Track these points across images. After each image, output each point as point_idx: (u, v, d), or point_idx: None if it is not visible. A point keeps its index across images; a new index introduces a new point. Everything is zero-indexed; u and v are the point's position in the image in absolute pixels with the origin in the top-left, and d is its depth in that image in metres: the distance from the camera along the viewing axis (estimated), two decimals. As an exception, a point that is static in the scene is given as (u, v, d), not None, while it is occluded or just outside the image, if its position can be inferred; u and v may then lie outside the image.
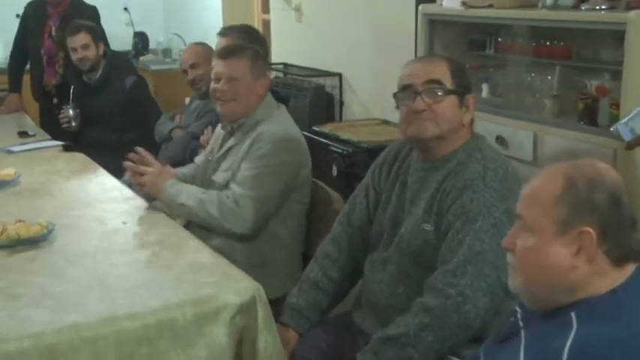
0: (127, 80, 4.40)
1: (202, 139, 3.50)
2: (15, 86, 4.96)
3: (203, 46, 3.88)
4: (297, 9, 5.32)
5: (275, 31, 5.73)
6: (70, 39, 4.39)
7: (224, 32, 3.40)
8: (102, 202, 2.83)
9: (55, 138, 4.10)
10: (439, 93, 2.05)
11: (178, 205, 2.64)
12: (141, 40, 7.21)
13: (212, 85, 2.78)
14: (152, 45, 7.31)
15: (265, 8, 6.35)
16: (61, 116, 4.41)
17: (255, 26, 6.42)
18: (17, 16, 6.79)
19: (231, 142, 2.79)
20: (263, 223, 2.63)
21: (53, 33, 4.79)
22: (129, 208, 2.75)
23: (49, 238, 2.37)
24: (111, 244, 2.37)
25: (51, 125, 4.53)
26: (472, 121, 2.12)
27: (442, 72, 2.07)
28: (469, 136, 2.10)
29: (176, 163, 3.76)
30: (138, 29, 7.17)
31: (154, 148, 4.26)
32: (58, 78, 4.81)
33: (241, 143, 2.73)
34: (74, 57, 4.38)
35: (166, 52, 7.29)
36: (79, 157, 3.55)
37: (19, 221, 2.42)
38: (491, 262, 1.89)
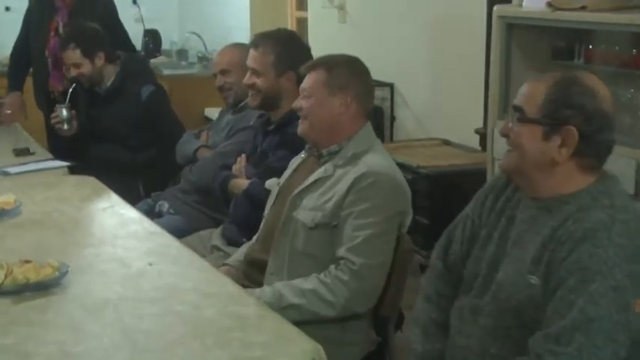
0: (143, 90, 4.38)
1: (235, 168, 3.47)
2: (15, 85, 4.96)
3: (241, 50, 3.85)
4: (341, 7, 5.30)
5: (313, 32, 5.71)
6: (61, 55, 4.42)
7: (257, 43, 3.36)
8: (121, 238, 2.80)
9: (62, 155, 4.10)
10: (517, 120, 2.06)
11: (283, 309, 2.51)
12: (152, 39, 7.24)
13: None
14: (165, 45, 7.34)
15: (301, 5, 6.35)
16: (52, 115, 4.41)
17: (289, 25, 6.43)
18: (7, 9, 6.94)
19: (319, 173, 2.73)
20: None
21: (60, 30, 4.78)
22: (154, 246, 2.71)
23: (61, 283, 2.33)
24: (137, 290, 2.32)
25: (59, 139, 4.51)
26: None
27: (534, 96, 2.03)
28: (594, 178, 2.03)
29: (201, 189, 3.74)
30: (149, 26, 7.20)
31: (174, 170, 4.25)
32: (66, 83, 4.77)
33: (335, 177, 2.68)
34: (71, 73, 4.40)
35: (182, 53, 7.32)
36: (89, 182, 3.52)
37: (26, 261, 2.38)
38: (607, 332, 1.83)
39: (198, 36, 7.07)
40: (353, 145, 2.72)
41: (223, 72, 3.86)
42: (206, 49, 7.01)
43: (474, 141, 4.19)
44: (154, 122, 4.37)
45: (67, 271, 2.37)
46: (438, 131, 4.55)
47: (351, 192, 2.60)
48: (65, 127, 4.36)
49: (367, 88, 2.80)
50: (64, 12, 4.81)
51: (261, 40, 3.37)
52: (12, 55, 5.10)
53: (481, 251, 2.17)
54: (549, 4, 3.29)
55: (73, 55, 4.31)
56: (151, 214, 3.78)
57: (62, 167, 3.80)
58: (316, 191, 2.71)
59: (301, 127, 2.79)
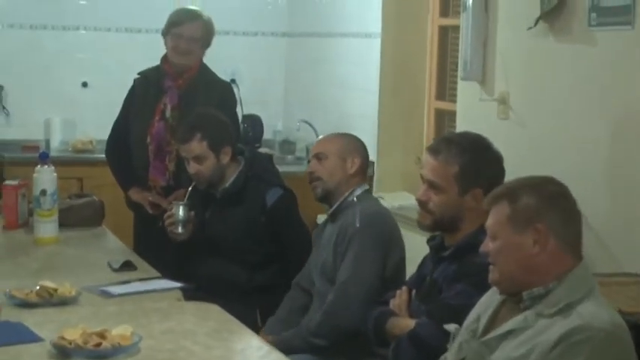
0: (269, 194, 4.36)
1: (394, 303, 3.38)
2: (127, 181, 5.01)
3: (344, 140, 4.05)
4: (503, 100, 5.19)
5: (463, 129, 5.60)
6: (180, 146, 4.46)
7: (438, 149, 3.31)
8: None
9: (157, 268, 4.08)
10: None
11: None
12: (252, 126, 7.23)
13: None
14: (267, 134, 7.38)
15: (441, 94, 6.28)
16: (166, 215, 4.41)
17: (425, 118, 6.37)
18: (84, 84, 7.09)
19: (518, 322, 2.62)
20: None
21: (167, 114, 4.84)
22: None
23: None
24: None
25: (151, 248, 4.52)
26: None
27: None
28: None
29: (347, 331, 3.64)
30: (248, 111, 7.20)
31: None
32: (169, 176, 4.80)
33: (536, 328, 2.56)
34: (188, 168, 4.42)
35: (287, 145, 7.30)
36: (212, 311, 3.46)
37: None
38: None
39: (309, 124, 7.03)
40: (566, 291, 2.60)
41: (318, 157, 3.95)
42: (318, 140, 6.97)
43: (687, 280, 3.99)
44: (279, 234, 4.34)
45: None
46: (632, 263, 4.36)
47: (558, 346, 2.48)
48: (180, 229, 4.35)
49: (566, 214, 2.68)
50: (173, 93, 4.87)
51: (443, 145, 3.30)
52: (106, 152, 5.18)
53: None
54: None
55: (199, 147, 4.32)
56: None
57: (174, 289, 3.76)
58: (512, 341, 2.60)
59: (491, 276, 2.72)
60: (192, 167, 4.35)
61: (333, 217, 3.93)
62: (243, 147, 4.56)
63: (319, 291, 3.90)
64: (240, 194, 4.38)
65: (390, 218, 3.95)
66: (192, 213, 4.37)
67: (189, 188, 4.40)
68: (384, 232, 3.82)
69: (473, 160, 3.25)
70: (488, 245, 2.70)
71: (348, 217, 3.80)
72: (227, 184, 4.40)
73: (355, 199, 3.88)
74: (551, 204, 2.64)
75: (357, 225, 3.72)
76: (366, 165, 4.00)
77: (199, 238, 4.41)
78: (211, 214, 4.43)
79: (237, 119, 5.06)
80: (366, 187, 3.97)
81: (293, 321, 3.95)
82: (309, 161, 4.02)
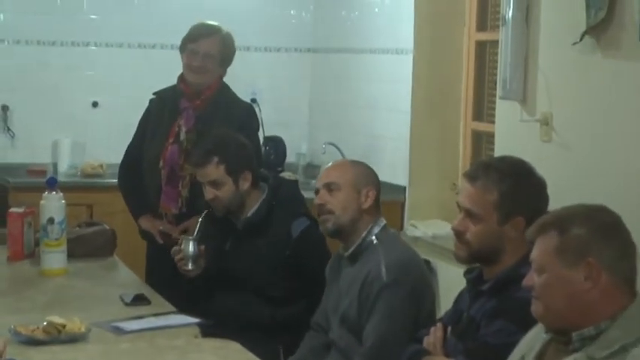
0: (294, 225, 4.34)
1: (428, 341, 3.36)
2: (139, 209, 5.05)
3: (355, 169, 3.97)
4: (545, 121, 5.18)
5: (502, 152, 5.58)
6: (196, 171, 4.47)
7: (475, 175, 3.30)
8: None
9: (172, 302, 4.09)
10: None
11: None
12: (274, 149, 7.25)
13: None
14: (290, 158, 7.40)
15: (478, 114, 6.27)
16: (174, 249, 4.40)
17: (461, 140, 6.36)
18: (94, 104, 7.10)
19: None
20: None
21: (182, 137, 4.85)
22: None
23: None
24: None
25: (164, 280, 4.52)
26: None
27: None
28: None
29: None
30: (270, 132, 7.22)
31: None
32: (181, 203, 4.82)
33: None
34: (205, 194, 4.41)
35: (311, 169, 7.32)
36: (233, 349, 3.46)
37: None
38: None
39: (336, 147, 7.02)
40: (620, 332, 2.57)
41: (329, 187, 3.90)
42: (345, 164, 6.96)
43: None
44: (305, 268, 4.32)
45: None
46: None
47: None
48: (190, 266, 4.34)
49: (621, 247, 2.65)
50: (189, 114, 4.88)
51: (481, 171, 3.29)
52: (119, 177, 5.22)
53: None
54: None
55: (216, 171, 4.32)
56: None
57: (192, 325, 3.75)
58: None
59: (534, 308, 2.71)
60: (208, 193, 4.35)
61: (352, 260, 3.87)
62: (267, 172, 4.56)
63: (338, 342, 3.85)
64: (264, 225, 4.37)
65: (417, 262, 3.88)
66: (203, 247, 4.36)
67: (200, 219, 4.40)
68: (414, 287, 3.73)
69: (513, 187, 3.24)
70: (532, 279, 2.68)
71: (371, 265, 3.74)
72: (249, 214, 4.39)
73: (375, 238, 3.83)
74: (603, 236, 2.61)
75: (385, 279, 3.66)
76: (379, 197, 3.95)
77: (219, 271, 4.40)
78: (232, 245, 4.42)
79: (259, 144, 5.08)
80: (383, 222, 3.90)
81: None
82: (316, 191, 3.96)
